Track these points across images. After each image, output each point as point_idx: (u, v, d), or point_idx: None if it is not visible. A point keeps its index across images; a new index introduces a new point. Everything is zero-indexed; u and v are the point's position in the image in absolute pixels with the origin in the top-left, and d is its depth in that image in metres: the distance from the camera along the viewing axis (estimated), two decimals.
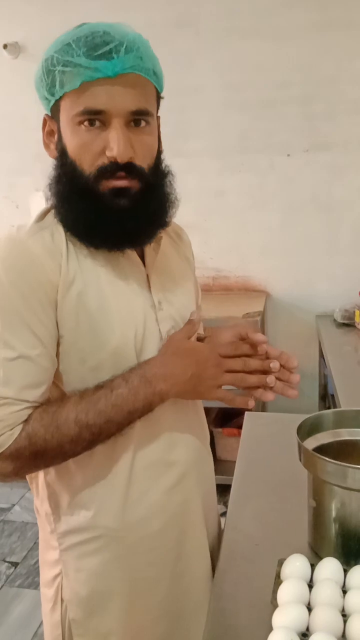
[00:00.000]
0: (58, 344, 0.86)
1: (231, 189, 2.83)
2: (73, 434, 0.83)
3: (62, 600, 0.97)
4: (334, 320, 2.71)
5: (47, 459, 0.87)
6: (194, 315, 0.95)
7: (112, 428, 0.85)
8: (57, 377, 0.89)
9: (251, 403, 0.91)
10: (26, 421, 0.83)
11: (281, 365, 0.94)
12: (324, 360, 2.44)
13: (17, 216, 3.04)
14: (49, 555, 0.99)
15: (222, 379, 0.90)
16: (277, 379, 0.93)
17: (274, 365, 0.91)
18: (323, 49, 2.62)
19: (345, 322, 2.66)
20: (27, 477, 0.99)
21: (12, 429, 0.82)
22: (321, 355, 2.70)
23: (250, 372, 0.92)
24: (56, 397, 0.90)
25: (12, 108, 2.96)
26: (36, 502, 0.99)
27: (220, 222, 2.83)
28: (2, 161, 3.05)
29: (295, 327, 2.91)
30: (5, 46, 2.84)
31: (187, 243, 1.12)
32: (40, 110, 3.11)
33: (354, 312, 2.64)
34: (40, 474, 0.95)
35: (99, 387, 0.85)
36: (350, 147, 2.71)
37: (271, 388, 0.93)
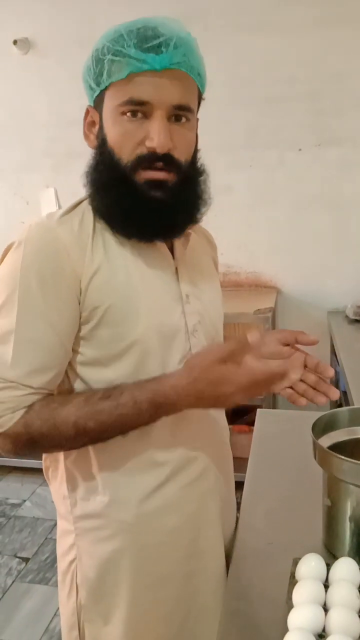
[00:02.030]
0: (80, 331, 0.87)
1: (240, 185, 2.81)
2: (70, 434, 0.84)
3: (77, 586, 0.97)
4: (346, 316, 2.69)
5: (44, 448, 0.90)
6: (254, 336, 0.88)
7: (113, 435, 0.86)
8: (73, 365, 0.89)
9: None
10: (28, 409, 0.84)
11: (319, 376, 0.96)
12: (336, 357, 2.42)
13: (27, 213, 3.04)
14: (65, 541, 0.99)
15: (241, 399, 0.85)
16: (313, 388, 0.95)
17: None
18: (331, 44, 2.60)
19: (357, 318, 2.64)
20: (44, 462, 1.00)
21: (13, 412, 0.83)
22: (333, 352, 2.68)
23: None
24: (64, 391, 0.90)
25: (21, 104, 2.97)
26: (52, 485, 1.00)
27: (229, 218, 2.82)
28: (11, 158, 3.05)
29: (306, 324, 2.89)
30: (15, 42, 2.84)
31: (215, 249, 1.14)
32: (49, 107, 3.10)
33: None
34: (61, 458, 0.96)
35: (105, 396, 0.84)
36: (359, 143, 2.68)
37: (302, 395, 0.95)
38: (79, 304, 0.85)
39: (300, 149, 2.74)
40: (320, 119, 2.69)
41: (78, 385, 0.90)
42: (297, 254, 2.86)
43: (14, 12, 2.87)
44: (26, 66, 2.91)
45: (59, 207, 2.97)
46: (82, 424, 0.83)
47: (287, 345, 0.97)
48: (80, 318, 0.86)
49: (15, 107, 2.98)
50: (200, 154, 0.94)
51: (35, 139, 2.98)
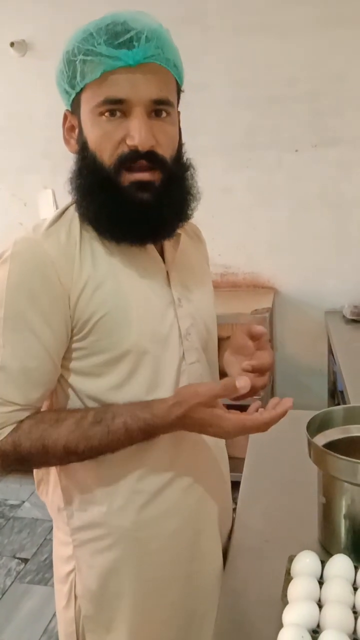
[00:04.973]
0: (72, 343, 0.85)
1: (239, 185, 2.82)
2: (59, 455, 0.84)
3: (75, 596, 0.96)
4: (343, 316, 2.70)
5: (33, 466, 0.89)
6: (241, 383, 0.83)
7: (101, 454, 0.86)
8: (65, 377, 0.88)
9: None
10: (17, 427, 0.83)
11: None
12: (333, 356, 2.43)
13: (25, 214, 3.04)
14: (62, 551, 0.98)
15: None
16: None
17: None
18: (330, 45, 2.61)
19: (354, 318, 2.64)
20: (36, 477, 0.99)
21: (1, 429, 0.82)
22: (330, 352, 2.69)
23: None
24: (56, 403, 0.90)
25: (19, 106, 2.97)
26: (47, 498, 0.99)
27: (228, 218, 2.83)
28: (10, 159, 3.05)
29: (304, 324, 2.90)
30: (12, 44, 2.84)
31: (204, 243, 1.11)
32: (47, 108, 3.11)
33: None
34: (53, 470, 0.95)
35: (97, 420, 0.84)
36: (359, 143, 2.69)
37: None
38: (70, 318, 0.84)
39: (296, 150, 2.75)
40: (320, 120, 2.69)
41: (72, 396, 0.89)
42: (295, 255, 2.87)
43: (11, 14, 2.88)
44: (24, 68, 2.91)
45: (57, 208, 2.98)
46: (73, 447, 0.83)
47: (252, 338, 0.95)
48: (71, 332, 0.85)
49: (13, 108, 2.99)
50: (185, 148, 0.91)
51: (34, 141, 2.98)
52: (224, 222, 2.81)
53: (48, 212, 3.03)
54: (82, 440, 0.83)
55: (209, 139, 2.73)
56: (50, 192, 3.00)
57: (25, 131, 2.99)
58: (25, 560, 2.38)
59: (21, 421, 0.84)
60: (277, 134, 2.74)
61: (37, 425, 0.84)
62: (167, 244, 0.94)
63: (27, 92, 2.95)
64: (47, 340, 0.83)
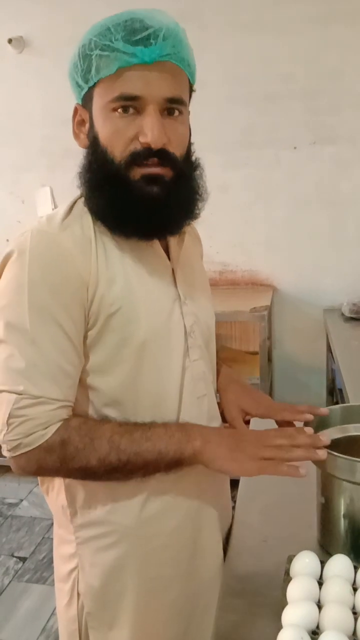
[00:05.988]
0: (86, 338, 0.86)
1: (237, 183, 2.81)
2: (103, 451, 0.83)
3: (78, 594, 0.96)
4: (342, 314, 2.69)
5: (70, 469, 0.85)
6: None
7: (139, 462, 0.84)
8: (82, 377, 0.88)
9: (303, 471, 0.82)
10: (65, 425, 0.83)
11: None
12: (332, 354, 2.43)
13: (22, 212, 3.03)
14: (64, 550, 0.98)
15: (263, 451, 0.84)
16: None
17: (308, 416, 0.95)
18: (327, 42, 2.60)
19: (353, 316, 2.64)
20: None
21: (45, 428, 0.81)
22: (329, 350, 2.68)
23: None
24: (80, 410, 0.90)
25: (17, 103, 2.96)
26: (50, 496, 0.99)
27: (226, 216, 2.82)
28: (7, 157, 3.04)
29: (302, 322, 2.90)
30: (10, 41, 2.83)
31: (200, 240, 1.13)
32: (45, 106, 3.09)
33: None
34: None
35: (138, 423, 0.86)
36: (356, 141, 2.68)
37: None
38: (87, 311, 0.84)
39: (295, 147, 2.74)
40: (317, 117, 2.69)
41: (79, 394, 0.89)
42: (293, 252, 2.87)
43: (9, 10, 2.86)
44: (21, 65, 2.90)
45: (55, 206, 2.96)
46: (117, 441, 0.83)
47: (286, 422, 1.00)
48: (86, 325, 0.85)
49: (10, 106, 2.97)
50: (194, 148, 0.92)
51: (31, 138, 2.97)
52: (222, 219, 2.80)
53: (46, 209, 3.02)
54: (126, 433, 0.84)
55: (206, 136, 2.71)
56: (48, 190, 3.00)
57: (22, 129, 2.98)
58: (23, 559, 2.37)
59: (68, 419, 0.84)
60: (274, 132, 2.74)
61: (85, 422, 0.85)
62: (172, 242, 0.95)
63: (24, 89, 2.94)
64: (72, 333, 0.83)
